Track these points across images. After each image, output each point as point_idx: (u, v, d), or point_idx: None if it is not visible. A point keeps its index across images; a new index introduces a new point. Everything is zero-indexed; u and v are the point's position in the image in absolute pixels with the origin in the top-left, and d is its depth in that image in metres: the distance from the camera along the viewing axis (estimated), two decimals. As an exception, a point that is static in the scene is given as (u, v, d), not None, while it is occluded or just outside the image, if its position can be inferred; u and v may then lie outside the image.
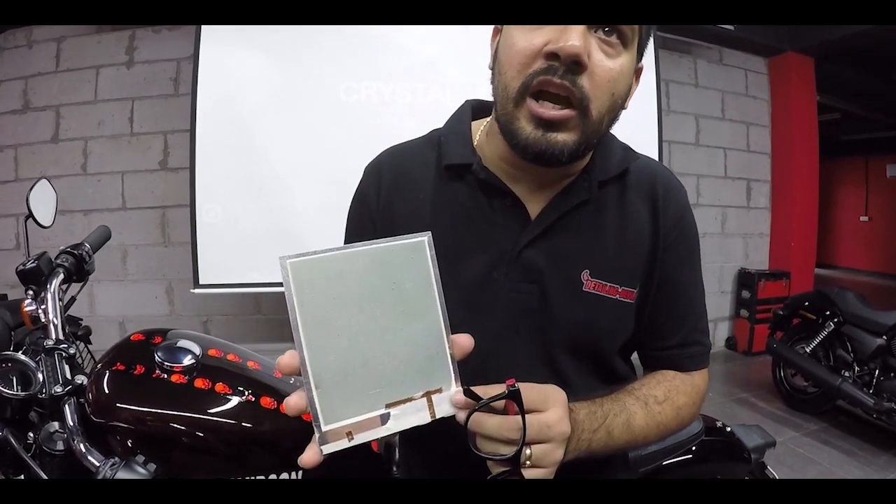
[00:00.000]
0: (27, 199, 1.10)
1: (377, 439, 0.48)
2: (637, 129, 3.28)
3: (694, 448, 1.14)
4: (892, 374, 2.72)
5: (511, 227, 0.69)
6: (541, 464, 0.53)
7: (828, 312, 3.05)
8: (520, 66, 0.59)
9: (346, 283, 0.47)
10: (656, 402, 0.69)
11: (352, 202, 0.79)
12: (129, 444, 0.83)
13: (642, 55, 0.65)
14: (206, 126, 2.89)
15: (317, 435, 0.46)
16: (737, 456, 1.23)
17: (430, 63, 3.00)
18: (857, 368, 2.86)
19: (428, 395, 0.50)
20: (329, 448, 0.46)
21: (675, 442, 1.10)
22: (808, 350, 3.07)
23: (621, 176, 0.72)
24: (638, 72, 0.66)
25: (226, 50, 2.90)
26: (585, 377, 0.71)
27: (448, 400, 0.50)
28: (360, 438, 0.47)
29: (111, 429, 0.83)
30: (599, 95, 0.58)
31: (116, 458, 0.82)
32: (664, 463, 1.09)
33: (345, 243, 0.72)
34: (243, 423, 0.87)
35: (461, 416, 0.51)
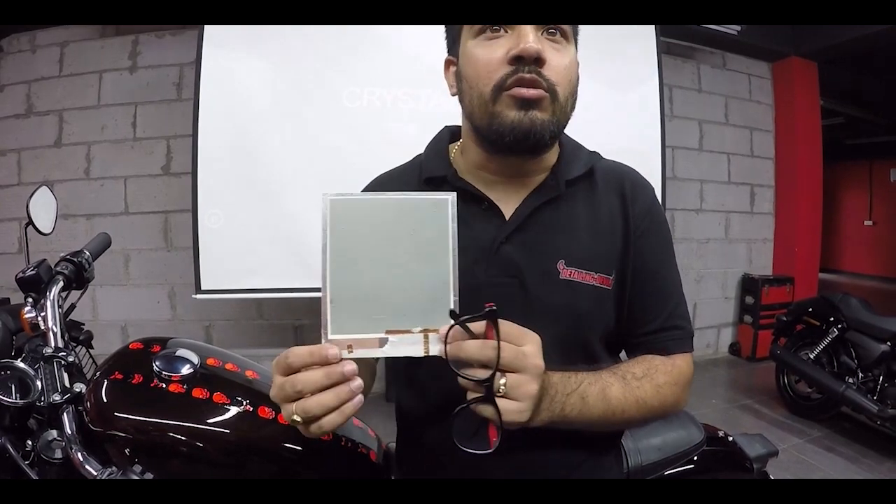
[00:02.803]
0: (27, 206, 1.09)
1: (373, 358, 0.55)
2: (640, 134, 3.27)
3: (695, 458, 1.13)
4: (896, 381, 2.70)
5: (488, 228, 0.75)
6: (514, 394, 0.55)
7: (832, 318, 3.03)
8: (489, 75, 0.68)
9: (373, 224, 0.54)
10: (634, 378, 0.72)
11: None
12: (127, 454, 0.82)
13: (577, 49, 0.75)
14: (208, 131, 2.89)
15: (323, 341, 0.52)
16: (739, 465, 1.22)
17: (432, 69, 2.98)
18: (861, 375, 2.85)
19: (425, 331, 0.55)
20: None
21: (676, 452, 1.09)
22: (811, 356, 3.05)
23: (589, 175, 0.79)
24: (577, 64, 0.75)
25: (228, 55, 2.90)
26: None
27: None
28: (358, 353, 0.53)
29: (109, 438, 0.82)
30: (561, 81, 0.68)
31: (114, 468, 0.81)
32: (665, 473, 1.08)
33: None
34: (241, 433, 0.87)
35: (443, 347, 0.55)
